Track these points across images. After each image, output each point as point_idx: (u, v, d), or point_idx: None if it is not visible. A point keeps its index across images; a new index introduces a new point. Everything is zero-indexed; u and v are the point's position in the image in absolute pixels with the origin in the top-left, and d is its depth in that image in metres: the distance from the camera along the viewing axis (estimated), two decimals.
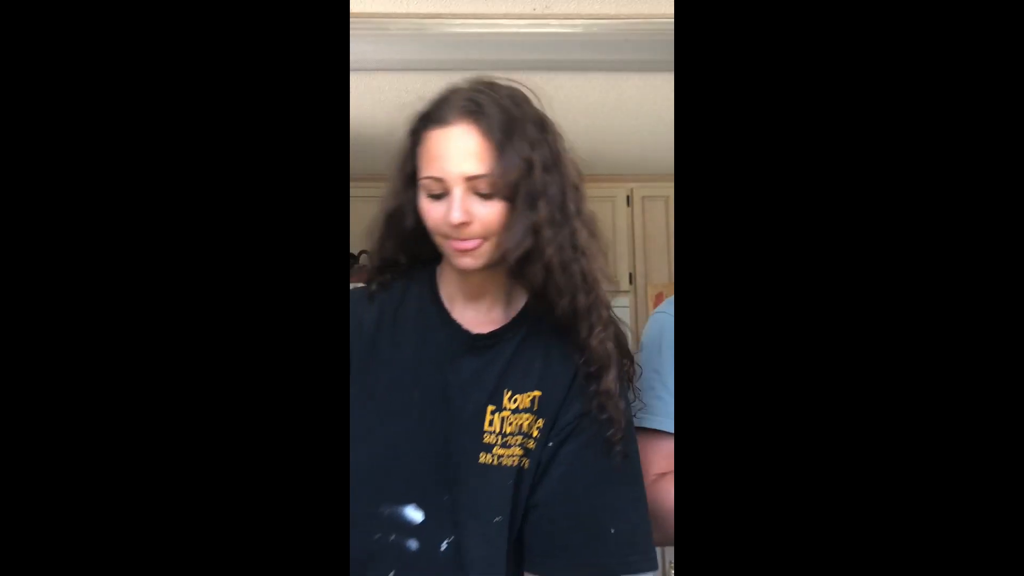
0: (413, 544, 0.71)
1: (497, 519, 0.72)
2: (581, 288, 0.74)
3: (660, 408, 0.92)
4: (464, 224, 0.70)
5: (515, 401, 0.75)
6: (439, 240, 0.74)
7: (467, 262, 0.73)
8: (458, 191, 0.70)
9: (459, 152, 0.70)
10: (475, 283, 0.79)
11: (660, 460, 0.92)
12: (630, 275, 3.01)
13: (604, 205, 3.07)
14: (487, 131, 0.71)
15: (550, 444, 0.75)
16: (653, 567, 0.74)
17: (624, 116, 2.52)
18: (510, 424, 0.74)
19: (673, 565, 2.05)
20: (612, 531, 0.73)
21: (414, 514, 0.72)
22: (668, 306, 1.05)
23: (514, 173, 0.70)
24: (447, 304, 0.80)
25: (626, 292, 2.98)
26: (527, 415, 0.75)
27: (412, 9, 1.87)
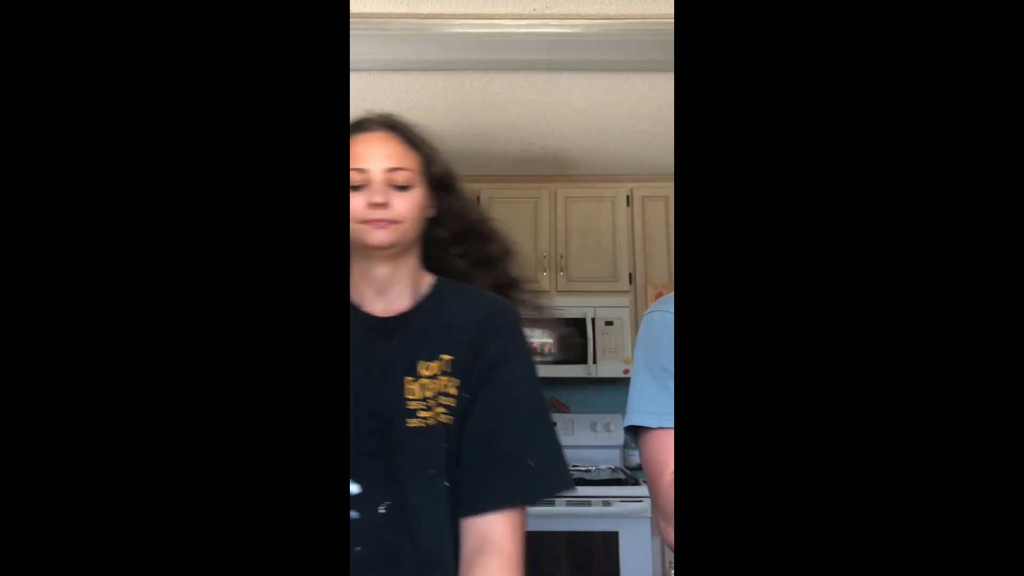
0: (354, 514, 0.82)
1: (431, 471, 0.83)
2: (480, 237, 0.98)
3: (653, 406, 0.95)
4: (382, 205, 0.87)
5: (429, 368, 0.87)
6: (356, 228, 0.87)
7: (381, 235, 0.87)
8: (379, 179, 0.88)
9: (380, 150, 0.89)
10: (382, 275, 0.91)
11: (660, 454, 0.93)
12: (630, 275, 3.01)
13: (604, 205, 3.07)
14: (401, 138, 0.92)
15: (466, 396, 0.86)
16: (569, 486, 0.88)
17: (624, 116, 2.52)
18: (429, 389, 0.86)
19: (673, 565, 2.05)
20: (529, 462, 0.84)
21: (351, 487, 0.83)
22: (664, 304, 1.05)
23: (423, 167, 0.92)
24: (356, 300, 0.93)
25: (626, 292, 2.98)
26: (443, 378, 0.86)
27: (412, 9, 1.87)
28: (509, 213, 3.08)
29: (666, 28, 1.86)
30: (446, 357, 0.87)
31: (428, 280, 0.96)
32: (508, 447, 0.85)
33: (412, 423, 0.84)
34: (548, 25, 1.90)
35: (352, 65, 2.16)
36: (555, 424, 0.89)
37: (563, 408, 3.18)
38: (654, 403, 0.96)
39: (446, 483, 0.83)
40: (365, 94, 2.35)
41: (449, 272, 0.97)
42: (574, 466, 2.88)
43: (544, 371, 2.90)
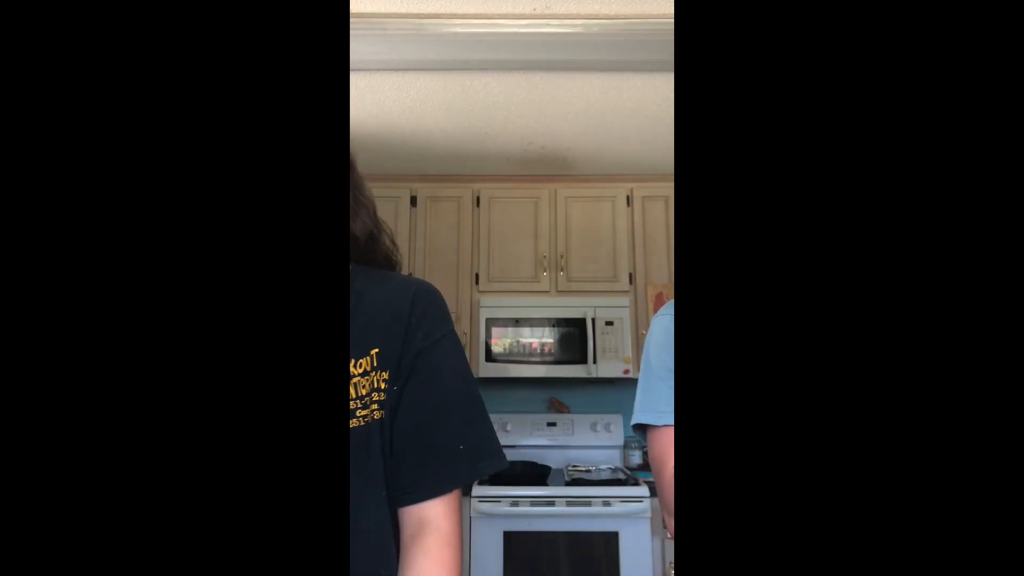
0: None
1: (370, 467, 0.83)
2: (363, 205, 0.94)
3: (651, 405, 1.03)
4: None
5: (360, 366, 0.85)
6: None
7: None
8: None
9: None
10: None
11: (664, 448, 1.02)
12: (630, 275, 3.01)
13: (604, 205, 3.07)
14: None
15: (395, 388, 0.85)
16: (502, 464, 0.87)
17: (624, 116, 2.52)
18: (363, 387, 0.84)
19: (673, 566, 2.05)
20: (461, 447, 0.85)
21: None
22: (671, 308, 1.11)
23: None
24: None
25: (626, 292, 2.98)
26: (374, 373, 0.85)
27: (412, 9, 1.87)
28: (509, 213, 3.09)
29: (666, 28, 1.86)
30: (374, 351, 0.86)
31: None
32: (439, 435, 0.85)
33: (352, 424, 0.83)
34: (548, 25, 1.90)
35: (352, 65, 2.16)
36: (483, 404, 0.90)
37: (563, 408, 3.18)
38: (657, 402, 1.01)
39: (383, 476, 0.84)
40: (365, 94, 2.35)
41: (361, 259, 0.95)
42: (574, 466, 2.88)
43: (544, 371, 2.90)
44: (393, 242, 1.00)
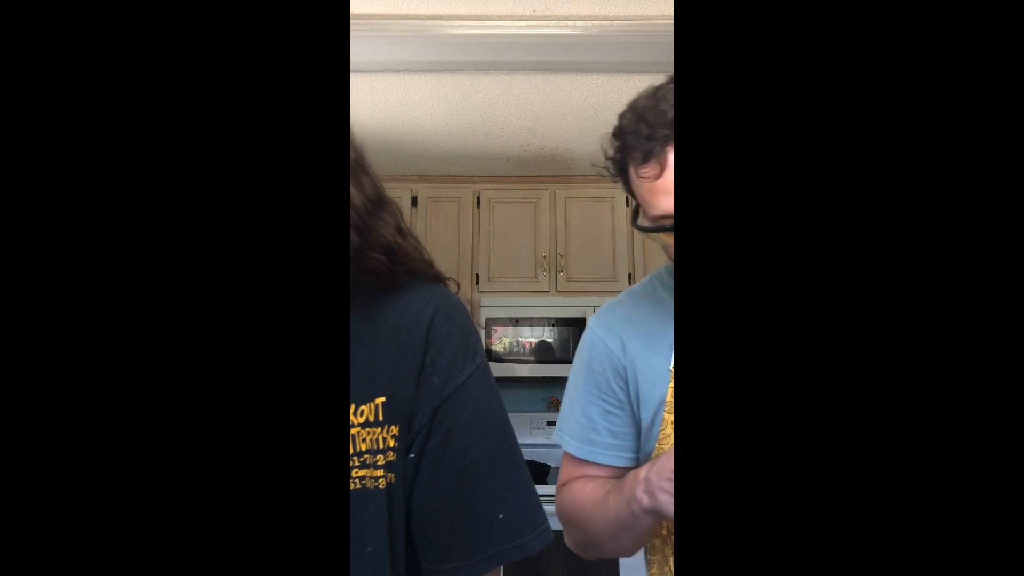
0: None
1: (368, 549, 0.66)
2: (414, 259, 0.73)
3: (562, 424, 1.01)
4: None
5: (362, 414, 0.67)
6: None
7: None
8: None
9: None
10: None
11: (564, 469, 1.02)
12: (629, 275, 3.02)
13: (603, 206, 3.07)
14: None
15: (411, 456, 0.68)
16: (546, 540, 0.71)
17: None
18: (364, 441, 0.67)
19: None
20: (500, 516, 0.68)
21: None
22: (598, 317, 1.05)
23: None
24: None
25: None
26: (379, 428, 0.67)
27: (412, 10, 1.87)
28: (509, 213, 3.09)
29: (666, 29, 1.87)
30: (380, 400, 0.68)
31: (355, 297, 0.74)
32: (473, 504, 0.68)
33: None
34: (548, 26, 1.90)
35: (352, 66, 2.16)
36: (523, 459, 0.74)
37: None
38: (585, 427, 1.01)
39: (391, 558, 0.67)
40: (365, 95, 2.35)
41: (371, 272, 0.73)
42: None
43: (544, 371, 2.90)
44: (419, 255, 0.77)
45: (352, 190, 0.69)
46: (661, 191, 0.84)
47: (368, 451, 0.66)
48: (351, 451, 0.66)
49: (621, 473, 0.94)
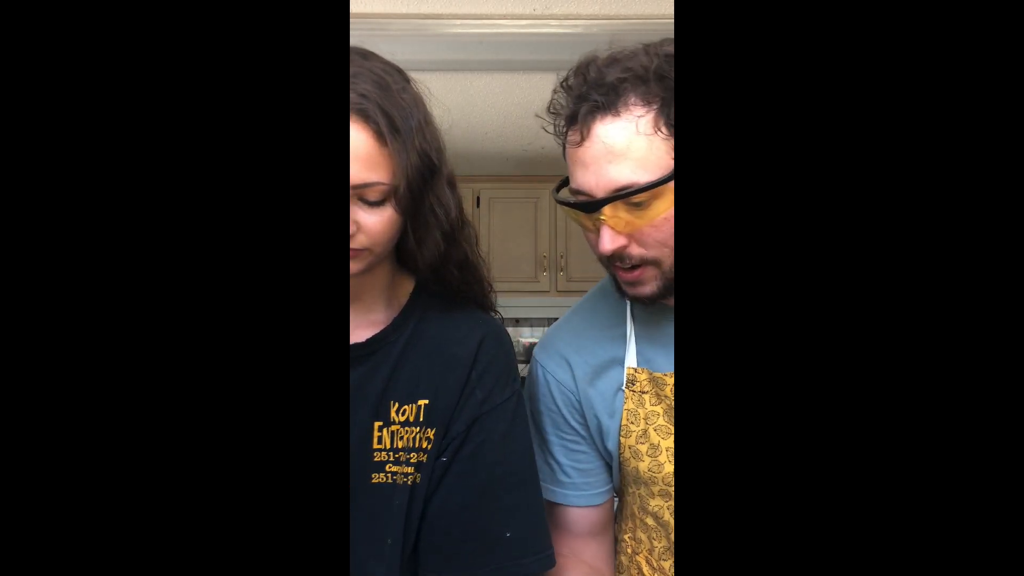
0: None
1: (389, 541, 0.68)
2: (457, 244, 0.73)
3: (547, 475, 0.87)
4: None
5: (403, 413, 0.69)
6: None
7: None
8: None
9: None
10: (351, 284, 0.68)
11: (551, 522, 0.82)
12: None
13: None
14: (376, 131, 0.62)
15: (442, 459, 0.70)
16: (549, 564, 0.72)
17: None
18: (401, 439, 0.69)
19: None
20: (507, 535, 0.70)
21: None
22: (542, 347, 0.94)
23: (401, 163, 0.63)
24: None
25: None
26: (418, 428, 0.70)
27: (412, 10, 1.87)
28: (509, 213, 3.09)
29: (666, 29, 1.86)
30: (423, 402, 0.70)
31: (407, 286, 0.76)
32: (484, 519, 0.70)
33: (376, 478, 0.69)
34: (548, 25, 1.90)
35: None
36: (539, 486, 0.76)
37: None
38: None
39: (401, 552, 0.70)
40: None
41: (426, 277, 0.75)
42: None
43: None
44: (484, 276, 0.79)
45: (450, 199, 0.70)
46: (578, 161, 0.74)
47: (403, 448, 0.69)
48: (387, 446, 0.69)
49: (605, 509, 0.89)
